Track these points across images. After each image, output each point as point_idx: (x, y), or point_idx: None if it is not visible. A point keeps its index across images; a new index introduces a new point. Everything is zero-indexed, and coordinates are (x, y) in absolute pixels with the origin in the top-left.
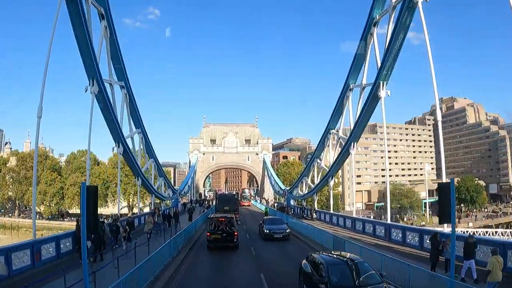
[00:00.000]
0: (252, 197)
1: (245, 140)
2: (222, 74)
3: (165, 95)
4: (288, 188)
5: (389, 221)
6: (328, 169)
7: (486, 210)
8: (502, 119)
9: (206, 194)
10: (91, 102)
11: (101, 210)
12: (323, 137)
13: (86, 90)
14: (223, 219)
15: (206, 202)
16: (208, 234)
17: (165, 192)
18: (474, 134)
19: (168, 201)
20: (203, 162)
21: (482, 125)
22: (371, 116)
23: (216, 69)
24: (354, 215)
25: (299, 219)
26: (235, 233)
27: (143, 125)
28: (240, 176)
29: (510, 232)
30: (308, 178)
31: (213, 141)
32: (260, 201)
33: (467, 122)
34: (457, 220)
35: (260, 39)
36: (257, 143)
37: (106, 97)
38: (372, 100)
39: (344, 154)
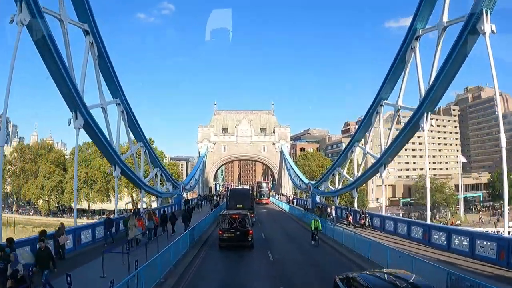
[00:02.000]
0: (270, 193)
1: (261, 128)
2: (234, 62)
3: (176, 83)
4: (313, 182)
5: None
6: (379, 155)
7: None
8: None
9: (218, 189)
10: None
11: (103, 206)
12: (369, 112)
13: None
14: (237, 215)
15: (215, 198)
16: (220, 232)
17: (162, 186)
18: (504, 125)
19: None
20: (214, 153)
21: None
22: (462, 63)
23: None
24: (385, 213)
25: (341, 224)
26: (250, 232)
27: (123, 94)
28: (255, 170)
29: None
30: (343, 169)
31: (225, 130)
32: (278, 197)
33: (496, 113)
34: (496, 219)
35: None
36: (274, 132)
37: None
38: (470, 36)
39: (410, 130)
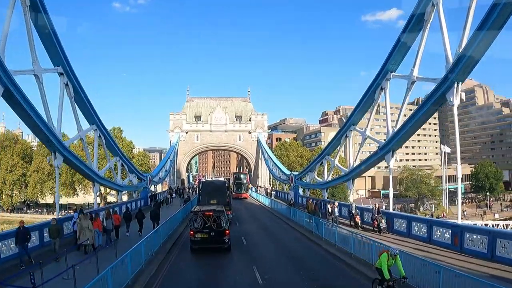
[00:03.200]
0: (249, 185)
1: (236, 116)
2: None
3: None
4: (296, 173)
5: None
6: (386, 140)
7: (503, 199)
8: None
9: (192, 181)
10: None
11: (70, 200)
12: (372, 88)
13: None
14: (210, 213)
15: (187, 191)
16: (192, 233)
17: (123, 179)
18: (484, 117)
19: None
20: (186, 142)
21: (493, 107)
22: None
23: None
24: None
25: (346, 227)
26: (227, 232)
27: (66, 61)
28: (229, 161)
29: None
30: (334, 157)
31: (198, 118)
32: (256, 189)
33: (476, 104)
34: (483, 211)
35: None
36: (250, 120)
37: None
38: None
39: (432, 106)
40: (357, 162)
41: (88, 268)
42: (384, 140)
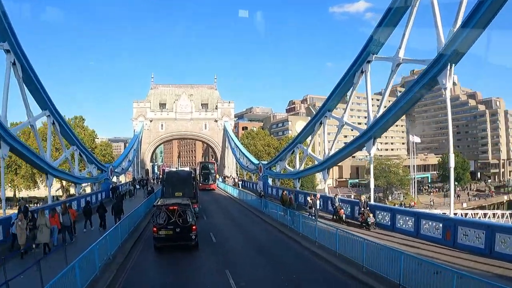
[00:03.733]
0: (217, 176)
1: (202, 104)
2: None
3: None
4: (265, 163)
5: None
6: (368, 126)
7: (470, 188)
8: (480, 93)
9: (157, 171)
10: None
11: (31, 193)
12: (351, 71)
13: None
14: (175, 207)
15: (152, 182)
16: (155, 229)
17: (81, 171)
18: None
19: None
20: (150, 131)
21: (460, 99)
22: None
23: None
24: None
25: (326, 221)
26: (193, 227)
27: (14, 37)
28: (195, 150)
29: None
30: (308, 147)
31: (162, 106)
32: (224, 180)
33: (443, 96)
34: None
35: None
36: (216, 108)
37: None
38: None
39: (421, 90)
40: (333, 151)
41: (31, 278)
42: (361, 125)
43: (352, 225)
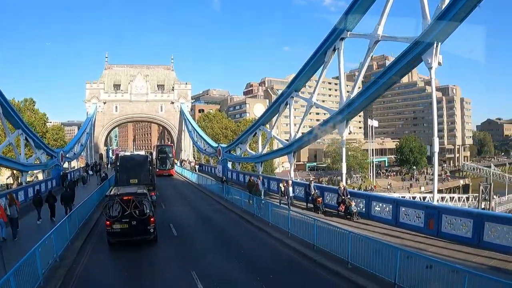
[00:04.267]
0: (175, 160)
1: (158, 85)
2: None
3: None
4: (224, 145)
5: None
6: (341, 107)
7: (427, 172)
8: (437, 81)
9: (111, 156)
10: None
11: None
12: (322, 49)
13: None
14: (130, 197)
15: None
16: (108, 223)
17: (28, 157)
18: (407, 94)
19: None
20: (104, 113)
21: (417, 85)
22: None
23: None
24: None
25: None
26: (152, 219)
27: None
28: (150, 133)
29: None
30: (272, 129)
31: (117, 87)
32: (181, 164)
33: (400, 81)
34: (409, 184)
35: None
36: (173, 89)
37: None
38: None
39: (403, 69)
40: (300, 134)
41: None
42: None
43: (330, 215)
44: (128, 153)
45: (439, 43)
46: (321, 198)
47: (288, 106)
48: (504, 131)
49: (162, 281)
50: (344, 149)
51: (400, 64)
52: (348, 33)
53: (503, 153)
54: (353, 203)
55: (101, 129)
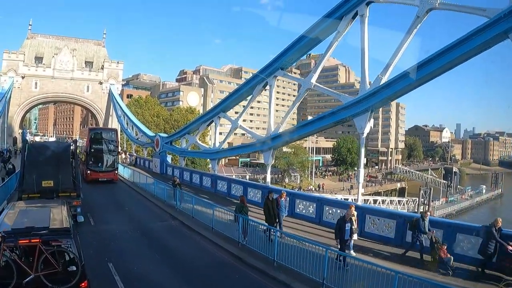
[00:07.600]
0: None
1: (86, 62)
2: None
3: None
4: (164, 135)
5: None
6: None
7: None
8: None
9: (29, 139)
10: None
11: None
12: (336, 14)
13: None
14: (35, 240)
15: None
16: None
17: None
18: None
19: None
20: (22, 90)
21: (354, 86)
22: None
23: None
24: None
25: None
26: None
27: None
28: (72, 118)
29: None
30: (239, 118)
31: (39, 60)
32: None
33: (338, 82)
34: (350, 185)
35: None
36: (103, 68)
37: None
38: None
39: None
40: (284, 125)
41: None
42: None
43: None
44: (45, 140)
45: None
46: (445, 247)
47: (269, 87)
48: (430, 137)
49: None
50: (362, 150)
51: (478, 41)
52: None
53: (430, 158)
54: None
55: (16, 108)
